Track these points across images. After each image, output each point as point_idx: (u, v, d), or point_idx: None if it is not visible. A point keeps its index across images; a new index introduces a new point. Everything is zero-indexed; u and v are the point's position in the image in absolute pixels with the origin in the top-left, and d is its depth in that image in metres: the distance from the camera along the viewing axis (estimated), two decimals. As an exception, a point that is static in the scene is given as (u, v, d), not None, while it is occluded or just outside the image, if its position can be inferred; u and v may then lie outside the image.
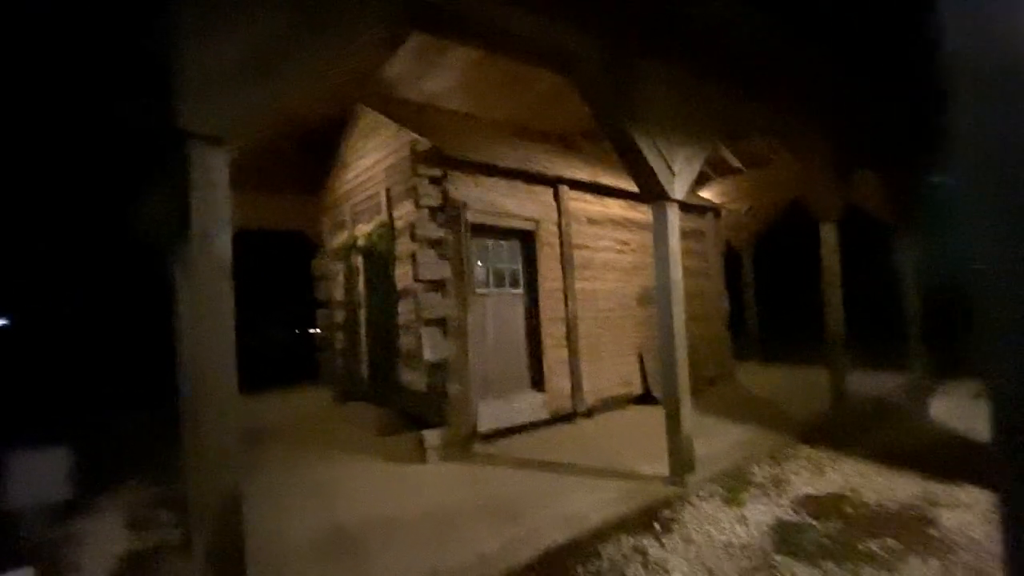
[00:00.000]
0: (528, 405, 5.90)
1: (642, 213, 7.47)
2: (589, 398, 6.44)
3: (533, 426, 5.90)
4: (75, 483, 4.36)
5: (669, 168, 4.03)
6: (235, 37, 2.12)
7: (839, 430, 5.42)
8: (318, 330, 8.76)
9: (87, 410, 8.75)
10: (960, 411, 6.04)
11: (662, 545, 3.24)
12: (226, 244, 2.12)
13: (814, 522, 3.45)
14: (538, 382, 6.13)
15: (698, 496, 3.93)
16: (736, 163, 10.56)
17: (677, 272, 4.09)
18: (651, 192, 4.08)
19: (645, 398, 7.15)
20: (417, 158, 5.46)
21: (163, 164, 2.87)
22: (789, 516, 3.57)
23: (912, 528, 3.31)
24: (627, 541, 3.29)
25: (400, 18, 2.80)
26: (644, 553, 3.14)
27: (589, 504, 3.71)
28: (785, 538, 3.24)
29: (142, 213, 4.05)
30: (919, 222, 8.02)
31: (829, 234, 6.12)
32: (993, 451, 1.45)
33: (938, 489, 3.88)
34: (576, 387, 6.31)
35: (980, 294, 1.42)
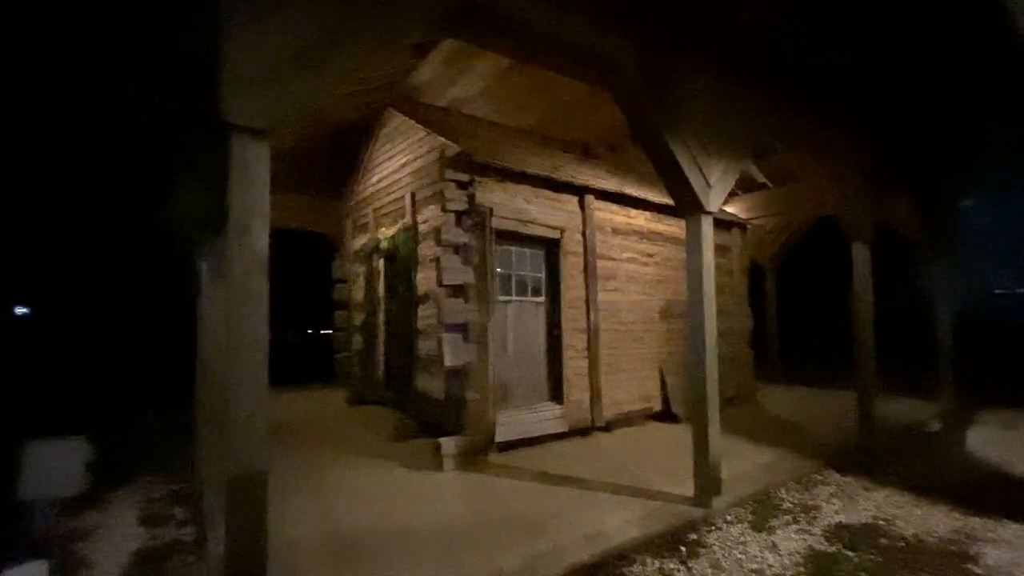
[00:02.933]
0: (546, 416, 5.80)
1: (667, 225, 7.37)
2: (608, 412, 6.31)
3: (550, 438, 5.79)
4: (90, 477, 4.34)
5: (705, 180, 3.94)
6: (283, 31, 2.09)
7: (870, 457, 5.22)
8: (334, 331, 8.74)
9: (103, 404, 8.82)
10: (994, 442, 5.81)
11: (689, 570, 3.11)
12: (264, 238, 2.08)
13: (850, 553, 3.29)
14: (557, 394, 6.03)
15: (725, 520, 3.78)
16: (762, 179, 10.42)
17: (710, 286, 3.98)
18: (686, 204, 3.99)
19: (664, 415, 6.99)
20: (446, 162, 5.44)
21: (200, 157, 2.87)
22: (822, 545, 3.42)
23: (953, 564, 3.14)
24: (652, 564, 3.16)
25: (444, 17, 2.77)
26: (671, 577, 3.02)
27: (612, 523, 3.58)
28: (820, 569, 3.09)
29: (173, 207, 4.05)
30: (952, 246, 7.80)
31: (861, 254, 5.95)
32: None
33: (978, 524, 3.70)
34: (595, 400, 6.19)
35: None
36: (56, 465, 3.80)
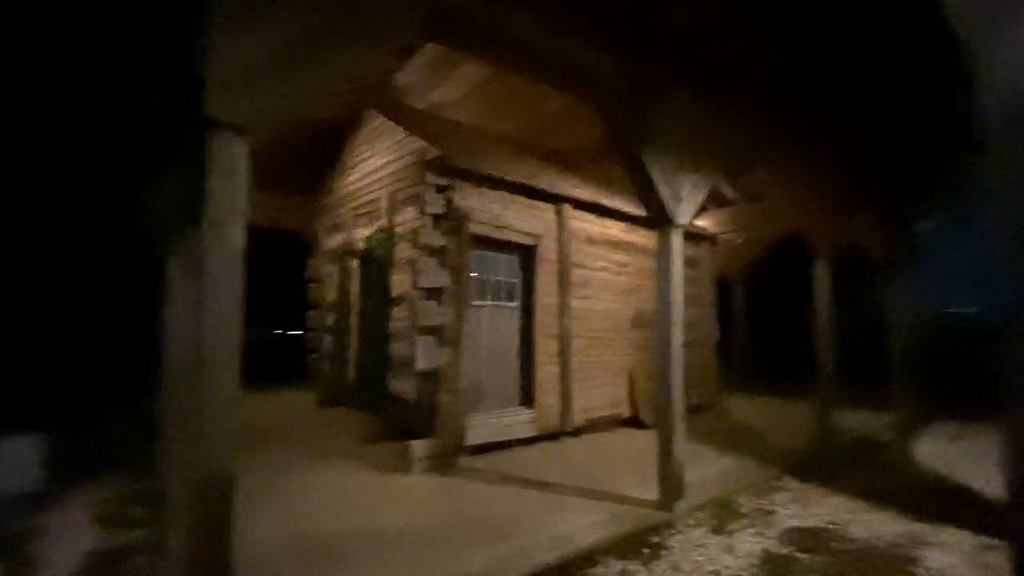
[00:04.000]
0: (517, 421, 5.85)
1: (640, 236, 7.55)
2: (578, 418, 6.40)
3: (521, 443, 5.84)
4: (45, 474, 4.19)
5: (677, 194, 4.08)
6: (270, 30, 2.11)
7: (826, 465, 5.44)
8: (305, 331, 8.62)
9: (61, 399, 8.47)
10: (942, 453, 6.13)
11: (650, 571, 3.20)
12: (240, 235, 2.09)
13: (802, 555, 3.44)
14: (528, 398, 6.09)
15: (687, 523, 3.90)
16: (732, 195, 10.76)
17: (679, 297, 4.11)
18: (657, 216, 4.12)
19: (633, 421, 7.13)
20: (425, 165, 5.47)
21: (176, 151, 2.83)
22: (777, 548, 3.56)
23: (898, 567, 3.32)
24: (616, 565, 3.24)
25: (427, 26, 2.82)
26: (633, 579, 3.10)
27: (577, 526, 3.66)
28: (773, 570, 3.22)
29: (144, 200, 3.97)
30: (908, 266, 8.20)
31: (823, 271, 6.22)
32: (1009, 501, 1.47)
33: (923, 529, 3.90)
34: (565, 406, 6.28)
35: (1003, 350, 1.45)
36: (9, 461, 3.67)
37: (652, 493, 4.12)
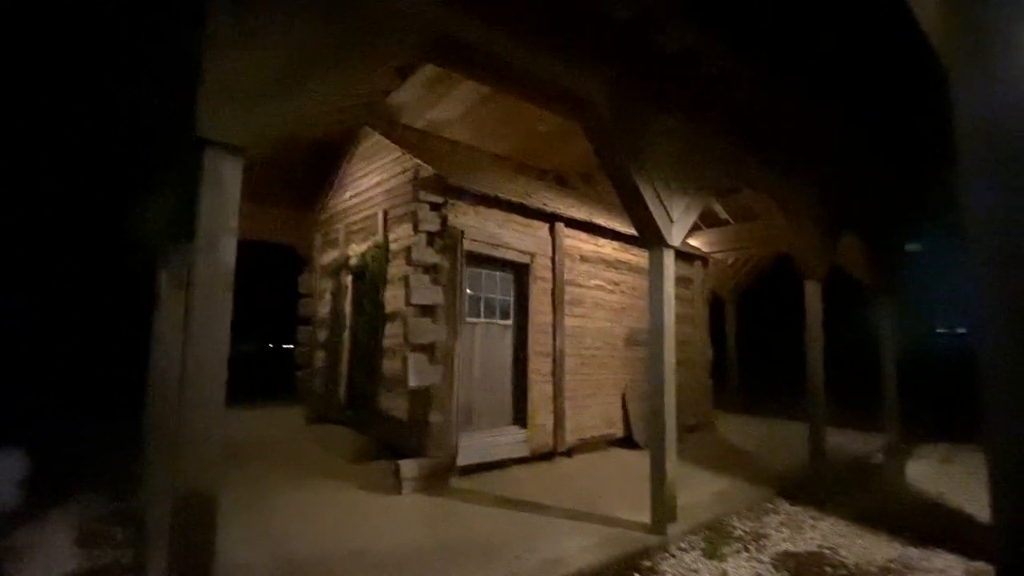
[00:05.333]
0: (510, 441, 5.80)
1: (633, 255, 7.59)
2: (571, 437, 6.35)
3: (513, 462, 5.77)
4: (24, 492, 4.09)
5: (668, 215, 4.13)
6: (263, 50, 2.14)
7: (818, 487, 5.41)
8: (296, 346, 8.54)
9: (41, 415, 8.32)
10: (932, 475, 6.12)
11: (642, 596, 3.15)
12: (231, 253, 2.08)
13: (795, 581, 3.40)
14: (521, 417, 6.04)
15: (679, 547, 3.85)
16: (724, 215, 10.87)
17: (671, 317, 4.13)
18: (649, 237, 4.16)
19: (626, 441, 7.08)
20: (420, 183, 5.51)
21: (169, 169, 2.84)
22: (770, 573, 3.52)
23: (891, 593, 3.29)
24: (607, 590, 3.19)
25: (421, 47, 2.87)
26: (624, 604, 3.05)
27: (570, 548, 3.60)
28: (766, 596, 3.18)
29: (135, 215, 3.97)
30: (898, 287, 8.28)
31: (813, 292, 6.26)
32: (994, 525, 1.47)
33: (914, 553, 3.88)
34: (559, 425, 6.23)
35: (985, 374, 1.46)
36: (-13, 479, 3.58)
37: (645, 516, 4.07)
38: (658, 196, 4.06)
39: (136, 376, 5.11)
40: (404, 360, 5.17)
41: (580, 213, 6.96)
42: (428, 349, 5.16)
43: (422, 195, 5.33)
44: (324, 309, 7.87)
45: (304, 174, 8.66)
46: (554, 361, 6.33)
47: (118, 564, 3.39)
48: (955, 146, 1.58)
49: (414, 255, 5.20)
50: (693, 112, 4.46)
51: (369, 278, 6.61)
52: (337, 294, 7.52)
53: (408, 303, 5.18)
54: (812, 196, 6.18)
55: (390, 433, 5.78)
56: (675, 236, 4.19)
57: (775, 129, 5.46)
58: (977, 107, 1.55)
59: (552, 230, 6.51)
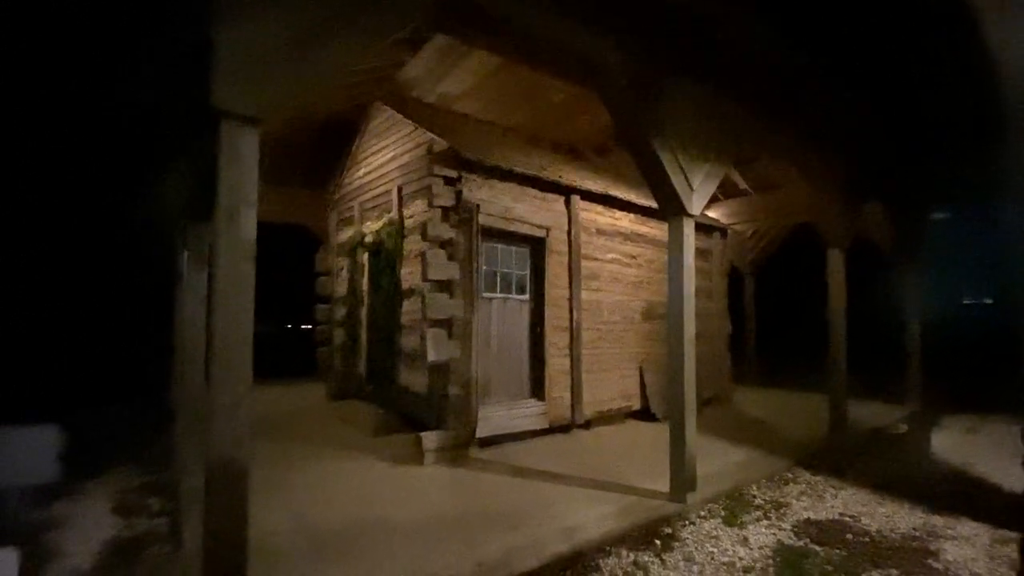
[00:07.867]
0: (528, 413, 5.85)
1: (650, 228, 7.49)
2: (588, 410, 6.39)
3: (531, 435, 5.84)
4: (63, 466, 4.24)
5: (688, 184, 4.03)
6: (277, 19, 2.10)
7: (839, 457, 5.39)
8: (315, 325, 8.66)
9: (77, 392, 8.60)
10: (957, 445, 6.04)
11: (663, 562, 3.19)
12: (252, 225, 2.08)
13: (817, 548, 3.41)
14: (538, 390, 6.08)
15: (699, 515, 3.88)
16: (744, 185, 10.63)
17: (690, 288, 4.07)
18: (668, 206, 4.08)
19: (643, 414, 7.11)
20: (434, 158, 5.45)
21: (186, 143, 2.84)
22: (791, 540, 3.53)
23: (914, 560, 3.28)
24: (628, 556, 3.23)
25: (436, 15, 2.79)
26: (645, 570, 3.09)
27: (589, 517, 3.65)
28: (788, 562, 3.19)
29: (156, 193, 4.00)
30: (923, 256, 8.07)
31: (836, 261, 6.13)
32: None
33: (938, 522, 3.85)
34: (576, 398, 6.26)
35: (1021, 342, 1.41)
36: (27, 453, 3.72)
37: (664, 485, 4.10)
38: (678, 163, 3.96)
39: (166, 351, 5.24)
40: (422, 335, 5.21)
41: (596, 185, 6.85)
42: (446, 324, 5.19)
43: (436, 169, 5.28)
44: (341, 287, 7.94)
45: (316, 153, 8.65)
46: (571, 335, 6.33)
47: (155, 532, 3.53)
48: (997, 111, 1.49)
49: (429, 230, 5.18)
50: (714, 78, 4.31)
51: (385, 255, 6.63)
52: (354, 272, 7.56)
53: (424, 279, 5.19)
54: (836, 162, 5.99)
55: (410, 407, 5.87)
56: (695, 205, 4.11)
57: (798, 95, 5.27)
58: (1018, 69, 1.46)
59: (568, 203, 6.43)
